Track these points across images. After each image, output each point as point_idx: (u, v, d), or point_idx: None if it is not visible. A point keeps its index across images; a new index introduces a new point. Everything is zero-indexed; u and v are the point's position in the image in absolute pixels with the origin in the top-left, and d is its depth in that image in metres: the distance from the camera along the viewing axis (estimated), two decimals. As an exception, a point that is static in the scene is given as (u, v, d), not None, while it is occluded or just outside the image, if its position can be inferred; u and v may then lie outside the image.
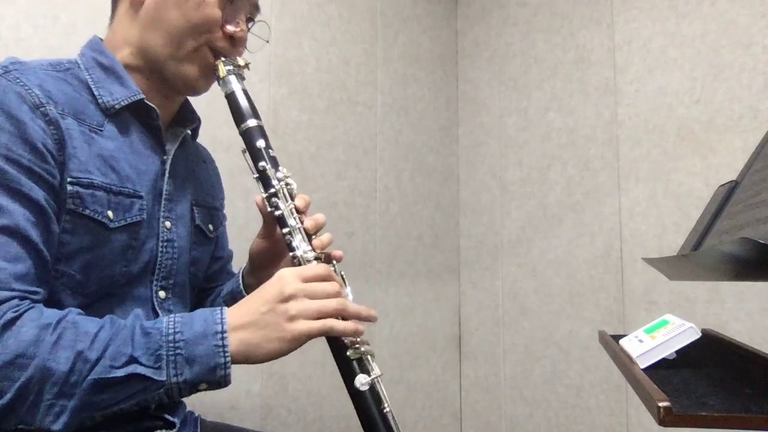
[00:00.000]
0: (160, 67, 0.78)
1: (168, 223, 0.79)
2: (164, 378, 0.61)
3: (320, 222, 0.78)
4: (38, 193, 0.63)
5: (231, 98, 0.79)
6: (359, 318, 0.71)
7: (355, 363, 0.69)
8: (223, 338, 0.63)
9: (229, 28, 0.79)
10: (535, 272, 1.83)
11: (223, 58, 0.79)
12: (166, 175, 0.80)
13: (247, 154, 0.79)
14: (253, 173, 0.79)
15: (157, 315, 0.77)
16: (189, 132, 0.88)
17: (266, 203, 0.78)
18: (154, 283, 0.78)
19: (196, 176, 0.89)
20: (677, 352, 0.66)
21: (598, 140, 1.70)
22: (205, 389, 0.64)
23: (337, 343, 0.70)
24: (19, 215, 0.62)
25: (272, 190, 0.77)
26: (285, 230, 0.76)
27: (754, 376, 0.64)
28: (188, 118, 0.88)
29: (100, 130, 0.72)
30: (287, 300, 0.66)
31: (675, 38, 1.53)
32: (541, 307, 1.81)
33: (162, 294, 0.78)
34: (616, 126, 1.65)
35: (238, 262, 0.98)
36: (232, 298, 0.89)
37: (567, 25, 1.81)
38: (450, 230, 2.05)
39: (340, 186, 1.68)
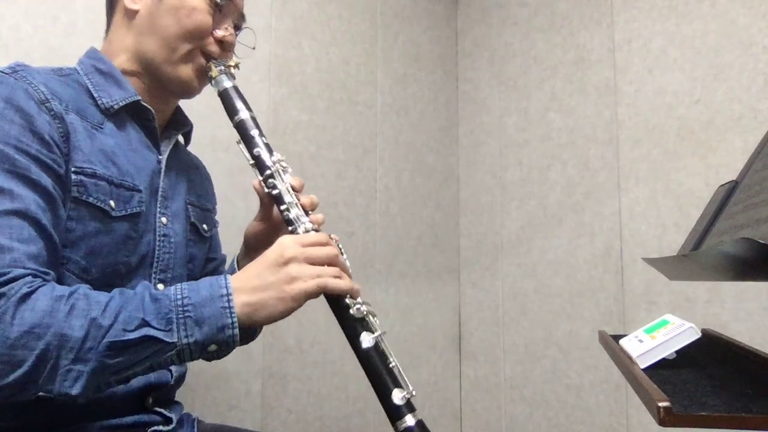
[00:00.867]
0: (157, 70, 0.82)
1: (164, 219, 0.83)
2: (175, 339, 0.63)
3: (315, 201, 0.82)
4: (46, 181, 0.67)
5: (224, 95, 0.84)
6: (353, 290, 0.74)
7: (357, 323, 0.72)
8: (229, 300, 0.66)
9: (219, 33, 0.84)
10: (535, 272, 1.83)
11: (214, 60, 0.84)
12: (162, 172, 0.84)
13: (242, 144, 0.83)
14: (249, 160, 0.82)
15: None
16: (182, 136, 0.94)
17: (263, 185, 0.82)
18: (153, 275, 0.81)
19: (189, 179, 0.93)
20: (677, 352, 0.66)
21: (598, 140, 1.70)
22: (215, 351, 0.67)
23: (338, 305, 0.73)
24: (30, 200, 0.65)
25: (268, 172, 0.81)
26: (283, 207, 0.80)
27: (754, 376, 0.64)
28: (181, 122, 0.93)
29: (101, 128, 0.76)
30: (287, 263, 0.69)
31: (675, 38, 1.53)
32: (541, 307, 1.81)
33: (161, 287, 0.81)
34: (616, 126, 1.65)
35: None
36: None
37: (567, 25, 1.81)
38: (450, 230, 2.05)
39: (340, 186, 1.68)
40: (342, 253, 0.78)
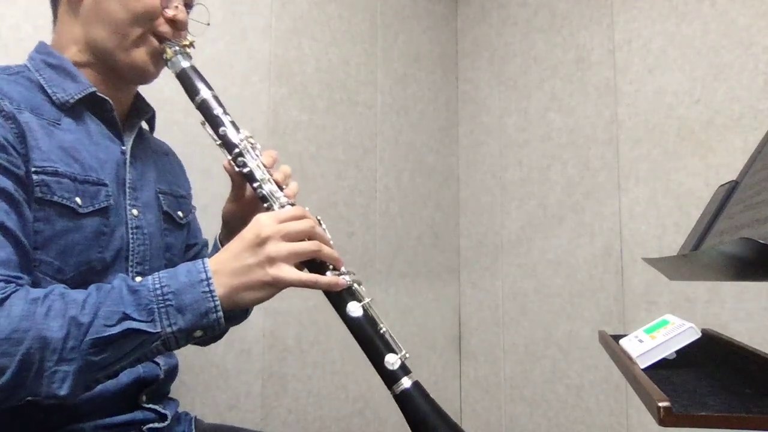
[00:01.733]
0: (109, 58, 0.80)
1: (135, 211, 0.81)
2: (159, 329, 0.63)
3: (287, 172, 0.81)
4: (6, 184, 0.65)
5: (182, 75, 0.82)
6: (335, 260, 0.73)
7: (344, 292, 0.71)
8: (209, 284, 0.65)
9: (169, 12, 0.81)
10: (535, 272, 1.83)
11: (167, 41, 0.81)
12: (127, 163, 0.82)
13: (207, 125, 0.81)
14: (216, 141, 0.80)
15: None
16: (145, 123, 0.91)
17: (232, 164, 0.79)
18: (130, 269, 0.79)
19: (158, 167, 0.91)
20: (677, 352, 0.66)
21: (598, 140, 1.70)
22: (202, 336, 0.66)
23: (321, 273, 0.72)
24: None
25: (237, 150, 0.79)
26: (255, 184, 0.78)
27: (754, 376, 0.64)
28: (143, 109, 0.90)
29: (58, 124, 0.74)
30: (264, 242, 0.68)
31: (675, 38, 1.53)
32: (541, 307, 1.81)
33: (139, 279, 0.80)
34: (616, 126, 1.65)
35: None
36: None
37: (567, 25, 1.81)
38: (450, 230, 2.05)
39: (340, 186, 1.68)
40: (320, 224, 0.77)
